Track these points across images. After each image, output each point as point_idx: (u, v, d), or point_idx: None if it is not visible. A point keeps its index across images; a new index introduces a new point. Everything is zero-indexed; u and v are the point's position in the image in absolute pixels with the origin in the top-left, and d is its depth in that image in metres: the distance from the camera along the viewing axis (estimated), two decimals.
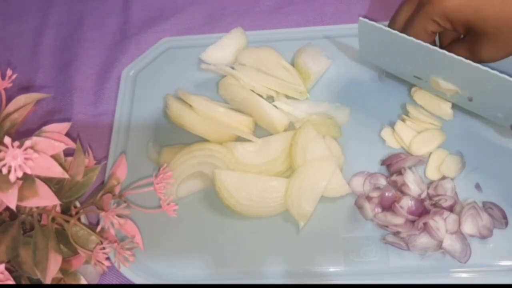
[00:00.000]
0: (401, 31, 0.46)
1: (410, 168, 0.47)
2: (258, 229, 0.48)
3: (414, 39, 0.43)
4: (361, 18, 0.46)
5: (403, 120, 0.50)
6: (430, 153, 0.49)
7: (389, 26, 0.48)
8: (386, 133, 0.50)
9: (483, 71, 0.41)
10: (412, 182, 0.46)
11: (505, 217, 0.45)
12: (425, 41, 0.45)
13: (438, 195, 0.46)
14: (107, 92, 0.60)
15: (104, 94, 0.60)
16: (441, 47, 0.48)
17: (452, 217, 0.44)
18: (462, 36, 0.45)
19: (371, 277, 0.44)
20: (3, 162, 0.29)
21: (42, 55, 0.64)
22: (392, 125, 0.50)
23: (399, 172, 0.47)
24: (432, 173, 0.48)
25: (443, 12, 0.42)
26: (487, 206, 0.46)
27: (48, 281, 0.35)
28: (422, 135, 0.49)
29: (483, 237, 0.44)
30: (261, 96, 0.53)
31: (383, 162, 0.49)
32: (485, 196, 0.47)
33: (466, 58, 0.43)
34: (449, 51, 0.45)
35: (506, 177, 0.47)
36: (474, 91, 0.45)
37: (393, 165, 0.48)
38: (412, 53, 0.45)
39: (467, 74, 0.43)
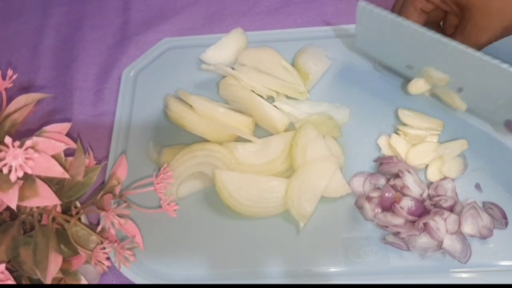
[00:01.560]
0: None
1: (407, 170, 0.47)
2: (258, 229, 0.48)
3: (411, 23, 0.43)
4: (360, 2, 0.45)
5: (397, 133, 0.50)
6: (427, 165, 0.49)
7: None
8: (383, 141, 0.50)
9: (476, 57, 0.40)
10: (413, 184, 0.46)
11: (505, 217, 0.45)
12: (416, 21, 0.44)
13: (439, 195, 0.46)
14: (107, 93, 0.60)
15: (105, 94, 0.60)
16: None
17: (452, 217, 0.44)
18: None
19: (371, 277, 0.44)
20: (3, 162, 0.29)
21: (42, 55, 0.64)
22: (392, 128, 0.51)
23: (397, 175, 0.47)
24: (434, 175, 0.48)
25: None
26: (487, 206, 0.46)
27: (48, 281, 0.35)
28: (418, 147, 0.49)
29: (483, 237, 0.44)
30: (261, 96, 0.53)
31: (376, 159, 0.49)
32: (485, 196, 0.47)
33: (462, 43, 0.42)
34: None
35: (506, 177, 0.47)
36: (466, 80, 0.45)
37: (383, 164, 0.48)
38: (407, 39, 0.45)
39: (461, 61, 0.42)
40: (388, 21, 0.45)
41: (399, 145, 0.49)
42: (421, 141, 0.49)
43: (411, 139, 0.49)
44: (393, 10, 0.48)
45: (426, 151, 0.49)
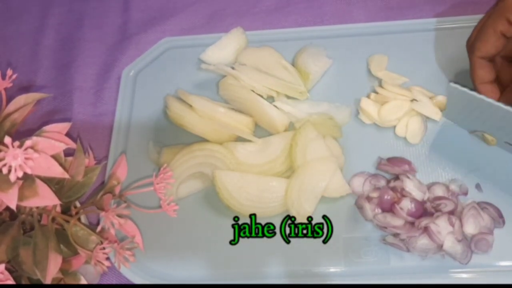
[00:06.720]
0: (474, 39, 0.43)
1: (406, 175, 0.47)
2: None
3: (505, 107, 0.40)
4: (450, 84, 0.44)
5: (368, 97, 0.52)
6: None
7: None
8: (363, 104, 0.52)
9: None
10: (413, 189, 0.46)
11: (501, 216, 0.45)
12: (495, 45, 0.41)
13: (439, 198, 0.45)
14: (107, 92, 0.60)
15: (104, 94, 0.60)
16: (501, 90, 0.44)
17: (456, 223, 0.43)
18: None
19: (371, 278, 0.44)
20: (3, 162, 0.29)
21: (42, 55, 0.64)
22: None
23: (397, 177, 0.47)
24: (402, 130, 0.50)
25: None
26: (483, 206, 0.45)
27: (48, 281, 0.35)
28: (389, 103, 0.50)
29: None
30: (261, 96, 0.53)
31: (377, 159, 0.50)
32: (486, 196, 0.47)
33: None
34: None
35: (506, 177, 0.47)
36: None
37: (383, 165, 0.48)
38: (504, 121, 0.43)
39: None
40: (481, 103, 0.42)
41: (369, 107, 0.51)
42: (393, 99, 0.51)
43: (384, 99, 0.51)
44: (472, 32, 0.45)
45: (397, 106, 0.50)
